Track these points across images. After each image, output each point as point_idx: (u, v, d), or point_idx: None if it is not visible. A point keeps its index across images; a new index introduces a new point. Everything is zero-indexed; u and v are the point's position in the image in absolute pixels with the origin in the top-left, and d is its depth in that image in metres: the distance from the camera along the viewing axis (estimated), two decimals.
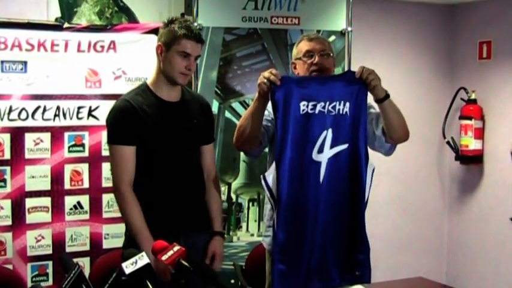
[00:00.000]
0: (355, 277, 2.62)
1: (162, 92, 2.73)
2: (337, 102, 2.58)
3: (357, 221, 2.63)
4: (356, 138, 2.59)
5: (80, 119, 3.60)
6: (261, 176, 2.63)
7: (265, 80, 2.53)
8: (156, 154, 2.70)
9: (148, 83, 2.76)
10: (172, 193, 2.72)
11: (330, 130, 2.58)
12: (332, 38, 4.04)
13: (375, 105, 2.67)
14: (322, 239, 2.60)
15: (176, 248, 2.01)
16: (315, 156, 2.58)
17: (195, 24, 3.69)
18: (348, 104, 2.58)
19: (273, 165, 2.59)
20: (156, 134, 2.68)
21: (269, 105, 2.61)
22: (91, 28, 3.62)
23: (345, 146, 2.60)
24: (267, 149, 2.82)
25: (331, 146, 2.59)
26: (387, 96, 2.57)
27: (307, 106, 2.57)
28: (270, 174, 2.60)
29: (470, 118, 4.71)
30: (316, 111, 2.57)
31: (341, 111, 2.58)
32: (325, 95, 2.58)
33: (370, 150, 2.68)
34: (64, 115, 3.56)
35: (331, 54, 2.81)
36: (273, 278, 2.62)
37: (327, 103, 2.57)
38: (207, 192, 2.87)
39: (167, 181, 2.71)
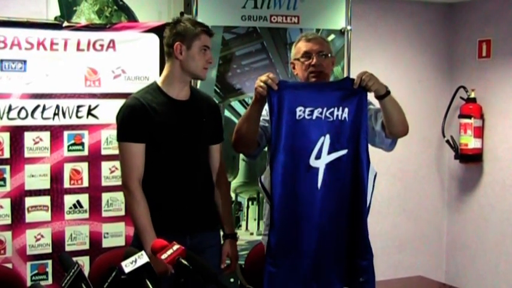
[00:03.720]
0: (359, 283, 2.62)
1: (173, 91, 2.74)
2: (335, 108, 2.57)
3: (359, 228, 2.61)
4: (357, 143, 2.58)
5: (80, 117, 3.60)
6: (259, 179, 2.64)
7: (262, 84, 2.52)
8: (165, 152, 2.71)
9: (159, 82, 2.77)
10: (180, 192, 2.73)
11: (327, 136, 2.57)
12: (331, 36, 4.04)
13: (374, 101, 2.67)
14: (320, 245, 2.59)
15: (176, 247, 2.01)
16: (312, 162, 2.57)
17: None
18: (347, 110, 2.57)
19: (268, 168, 2.60)
20: (165, 131, 2.69)
21: (267, 105, 2.61)
22: (90, 27, 3.61)
23: (343, 152, 2.58)
24: (266, 148, 2.82)
25: (329, 152, 2.57)
26: (388, 92, 2.58)
27: (304, 112, 2.56)
28: (266, 178, 2.61)
29: (469, 117, 4.71)
30: (314, 117, 2.56)
31: (340, 117, 2.57)
32: (323, 100, 2.57)
33: (369, 154, 2.66)
34: (63, 114, 3.56)
35: (330, 54, 2.81)
36: (263, 280, 2.62)
37: (325, 109, 2.56)
38: (216, 193, 2.88)
39: (175, 179, 2.72)
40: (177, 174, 2.72)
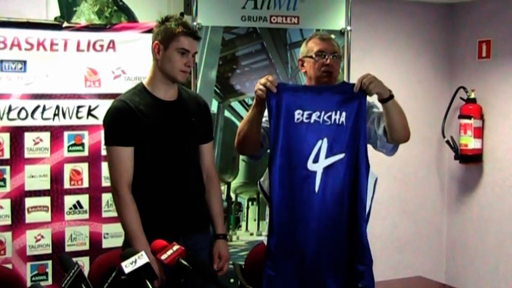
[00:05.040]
0: None
1: (159, 92, 2.71)
2: (333, 112, 2.57)
3: (357, 232, 2.59)
4: (356, 148, 2.57)
5: (80, 118, 3.60)
6: (258, 182, 2.64)
7: (262, 87, 2.53)
8: (154, 154, 2.68)
9: (145, 83, 2.74)
10: (171, 193, 2.71)
11: (325, 140, 2.56)
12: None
13: (378, 104, 2.66)
14: (318, 249, 2.58)
15: (176, 247, 2.01)
16: (310, 165, 2.56)
17: (195, 23, 3.71)
18: (344, 114, 2.57)
19: (267, 171, 2.60)
20: (154, 133, 2.67)
21: None
22: (90, 27, 3.62)
23: (341, 156, 2.57)
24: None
25: (326, 156, 2.57)
26: (392, 96, 2.57)
27: (302, 115, 2.56)
28: (266, 181, 2.61)
29: (469, 117, 4.71)
30: (312, 121, 2.56)
31: (337, 121, 2.57)
32: (322, 104, 2.57)
33: (370, 155, 2.65)
34: (63, 114, 3.56)
35: (340, 57, 2.82)
36: (262, 283, 2.61)
37: (323, 112, 2.56)
38: (208, 192, 2.85)
39: (166, 181, 2.70)
40: (168, 176, 2.70)
